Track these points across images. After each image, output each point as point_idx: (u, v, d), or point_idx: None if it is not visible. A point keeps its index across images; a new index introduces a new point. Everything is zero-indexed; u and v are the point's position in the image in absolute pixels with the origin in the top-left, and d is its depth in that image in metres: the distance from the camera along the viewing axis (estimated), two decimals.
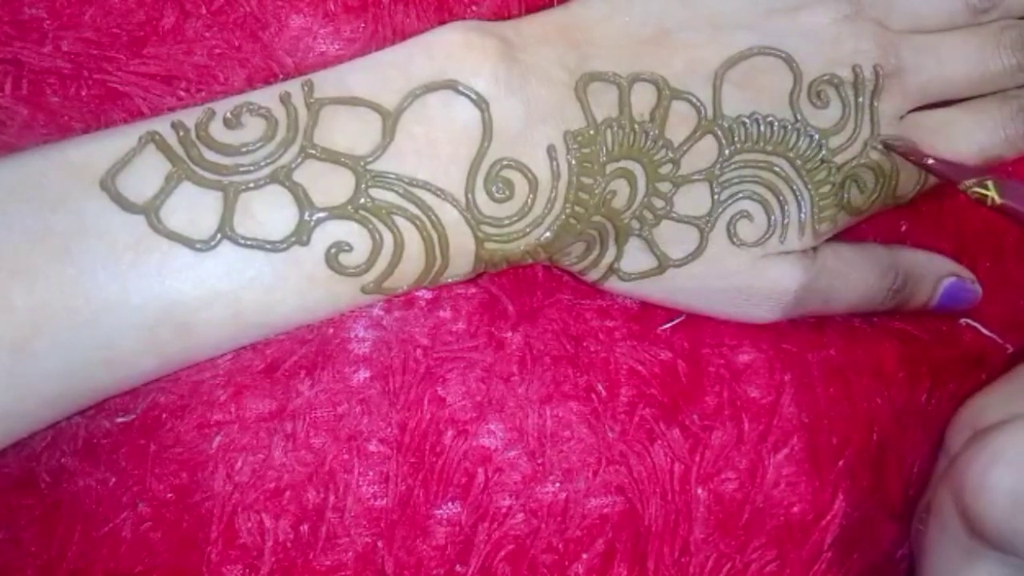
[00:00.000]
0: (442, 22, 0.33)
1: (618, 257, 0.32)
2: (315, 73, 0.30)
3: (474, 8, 0.34)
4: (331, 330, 0.32)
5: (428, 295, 0.33)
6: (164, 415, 0.31)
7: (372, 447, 0.32)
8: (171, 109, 0.32)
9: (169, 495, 0.31)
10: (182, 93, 0.32)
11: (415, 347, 0.32)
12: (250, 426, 0.31)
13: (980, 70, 0.34)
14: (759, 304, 0.33)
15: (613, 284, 0.33)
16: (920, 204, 0.35)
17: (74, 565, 0.31)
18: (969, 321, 0.36)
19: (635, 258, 0.32)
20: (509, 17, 0.34)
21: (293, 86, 0.29)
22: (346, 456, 0.32)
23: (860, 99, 0.32)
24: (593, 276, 0.33)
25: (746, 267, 0.32)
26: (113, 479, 0.31)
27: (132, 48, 0.32)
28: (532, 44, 0.30)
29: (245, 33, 0.33)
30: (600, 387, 0.33)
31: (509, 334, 0.33)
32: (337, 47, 0.33)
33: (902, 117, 0.33)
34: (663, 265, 0.32)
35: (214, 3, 0.33)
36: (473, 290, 0.33)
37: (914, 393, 0.35)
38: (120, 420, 0.31)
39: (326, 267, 0.28)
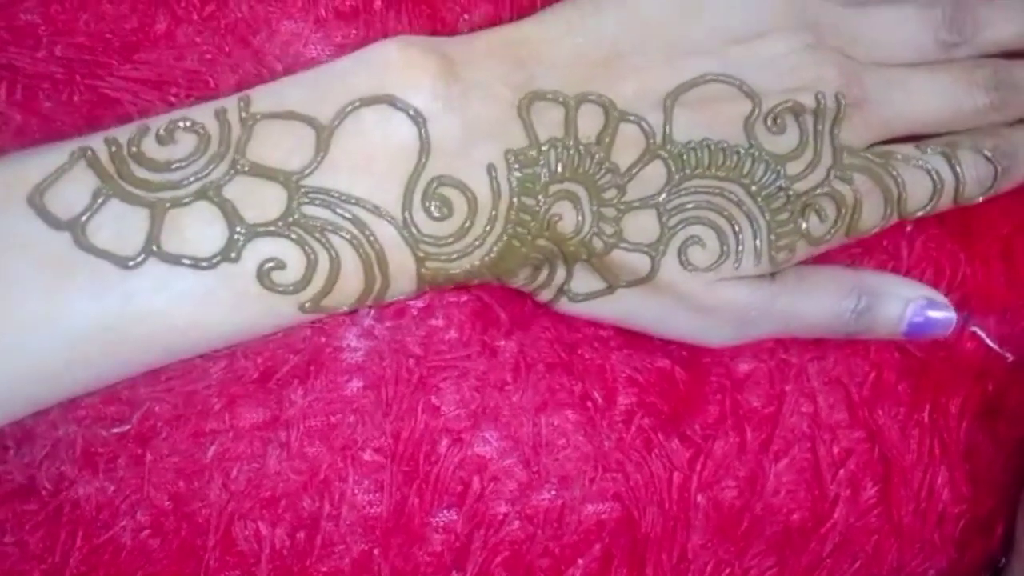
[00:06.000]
0: (434, 29, 0.33)
1: (568, 279, 0.31)
2: (255, 88, 0.29)
3: (466, 16, 0.33)
4: (323, 339, 0.32)
5: (420, 303, 0.33)
6: (159, 424, 0.31)
7: (366, 456, 0.32)
8: (159, 115, 0.32)
9: (167, 503, 0.31)
10: (172, 98, 0.32)
11: (408, 356, 0.32)
12: (244, 435, 0.31)
13: (951, 107, 0.33)
14: (713, 327, 0.33)
15: (565, 306, 0.32)
16: None
17: (77, 570, 0.31)
18: (976, 329, 0.35)
19: (585, 279, 0.31)
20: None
21: (230, 101, 0.29)
22: (340, 465, 0.32)
23: (820, 127, 0.31)
24: (545, 297, 0.32)
25: (699, 290, 0.32)
26: (112, 487, 0.31)
27: (124, 53, 0.32)
28: (477, 60, 0.30)
29: (236, 38, 0.32)
30: (596, 395, 0.33)
31: (502, 342, 0.33)
32: (328, 53, 0.33)
33: (865, 149, 0.33)
34: (613, 287, 0.31)
35: (205, 8, 0.32)
36: (465, 298, 0.33)
37: (916, 407, 0.35)
38: (116, 430, 0.31)
39: (259, 285, 0.28)
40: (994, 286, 0.35)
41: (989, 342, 0.35)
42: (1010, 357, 0.35)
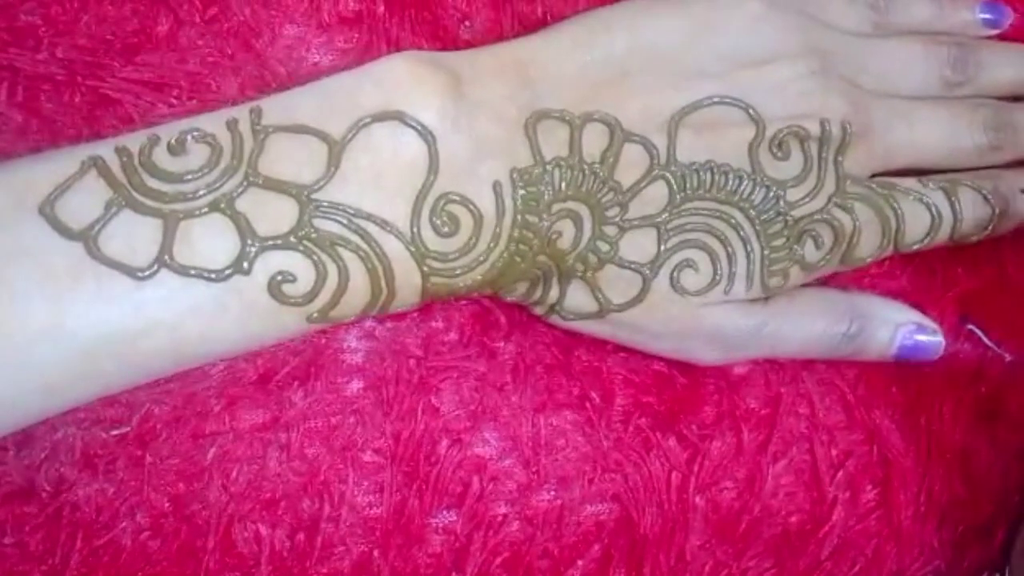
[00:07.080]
0: (436, 36, 0.33)
1: (560, 298, 0.31)
2: (264, 99, 0.29)
3: (467, 23, 0.33)
4: (323, 340, 0.32)
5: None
6: (159, 426, 0.31)
7: (366, 457, 0.32)
8: (162, 116, 0.32)
9: (167, 505, 0.31)
10: (173, 100, 0.32)
11: (408, 357, 0.32)
12: (244, 436, 0.32)
13: (951, 143, 0.33)
14: (701, 348, 0.33)
15: (556, 321, 0.32)
16: None
17: (77, 572, 0.31)
18: (973, 328, 0.35)
19: (577, 299, 0.31)
20: (502, 33, 0.33)
21: (241, 112, 0.29)
22: (340, 466, 0.32)
23: (824, 154, 0.32)
24: (538, 311, 0.32)
25: (687, 314, 0.32)
26: (111, 489, 0.31)
27: (125, 55, 0.32)
28: (484, 78, 0.30)
29: (239, 42, 0.33)
30: (595, 395, 0.33)
31: (501, 344, 0.33)
32: (331, 58, 0.33)
33: (867, 178, 0.33)
34: (603, 309, 0.31)
35: (208, 11, 0.33)
36: (464, 300, 0.33)
37: (913, 410, 0.35)
38: (115, 432, 0.31)
39: (269, 297, 0.28)
40: (986, 286, 0.35)
41: (987, 341, 0.35)
42: (1008, 357, 0.35)
